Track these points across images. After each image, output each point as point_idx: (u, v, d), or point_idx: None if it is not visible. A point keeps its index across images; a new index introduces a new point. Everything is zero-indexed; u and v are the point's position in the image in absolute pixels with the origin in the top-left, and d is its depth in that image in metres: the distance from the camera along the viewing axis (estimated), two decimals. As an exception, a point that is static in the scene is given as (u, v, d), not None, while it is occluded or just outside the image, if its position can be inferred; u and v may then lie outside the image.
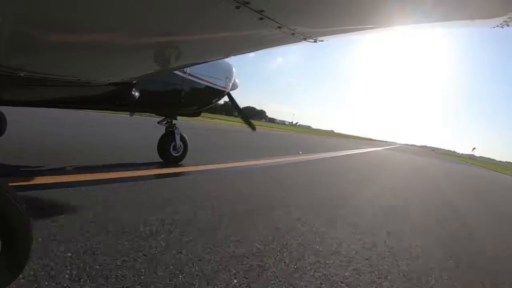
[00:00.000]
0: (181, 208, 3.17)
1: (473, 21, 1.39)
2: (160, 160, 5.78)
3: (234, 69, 6.25)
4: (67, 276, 1.71)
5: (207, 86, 5.67)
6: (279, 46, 1.77)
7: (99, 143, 6.92)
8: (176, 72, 5.02)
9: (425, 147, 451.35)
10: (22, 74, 1.88)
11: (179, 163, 5.87)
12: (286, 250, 2.55)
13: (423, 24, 1.48)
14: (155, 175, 4.79)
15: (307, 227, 3.20)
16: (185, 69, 5.14)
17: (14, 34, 1.32)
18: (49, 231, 2.16)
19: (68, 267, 1.78)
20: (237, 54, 2.03)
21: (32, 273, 1.69)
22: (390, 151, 36.19)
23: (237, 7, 1.13)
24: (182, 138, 5.87)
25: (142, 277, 1.81)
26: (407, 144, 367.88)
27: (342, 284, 2.15)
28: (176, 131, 5.76)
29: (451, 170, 21.27)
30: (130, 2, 1.11)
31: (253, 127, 7.32)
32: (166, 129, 5.84)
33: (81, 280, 1.70)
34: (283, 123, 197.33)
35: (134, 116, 6.09)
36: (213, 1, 1.11)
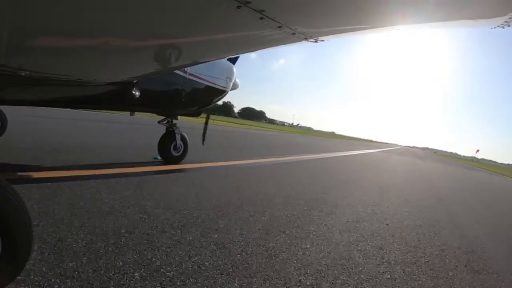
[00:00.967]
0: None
1: (474, 21, 1.39)
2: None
3: (234, 69, 6.25)
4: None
5: (207, 86, 5.67)
6: (279, 46, 1.76)
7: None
8: (177, 71, 5.02)
9: (427, 149, 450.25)
10: (22, 74, 1.89)
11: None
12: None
13: (424, 24, 1.48)
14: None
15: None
16: (185, 69, 5.14)
17: (14, 34, 1.32)
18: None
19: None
20: (238, 54, 2.03)
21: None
22: (387, 153, 30.96)
23: (238, 7, 1.13)
24: (183, 138, 5.87)
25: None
26: (409, 146, 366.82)
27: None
28: (176, 130, 5.76)
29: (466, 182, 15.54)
30: (130, 2, 1.11)
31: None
32: (166, 128, 5.84)
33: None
34: (282, 124, 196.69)
35: (137, 116, 6.11)
36: (214, 0, 1.11)
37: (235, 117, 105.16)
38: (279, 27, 1.36)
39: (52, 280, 1.73)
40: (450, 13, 1.34)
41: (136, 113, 6.17)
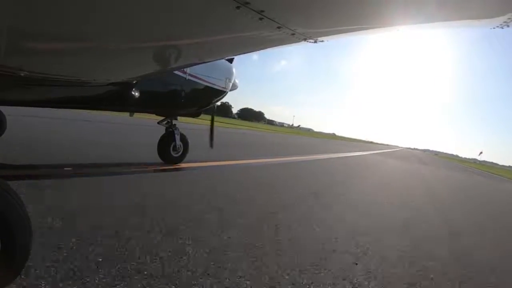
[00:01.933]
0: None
1: (473, 21, 1.39)
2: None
3: (234, 70, 6.24)
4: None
5: (207, 86, 5.66)
6: (279, 46, 1.77)
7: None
8: (176, 72, 5.01)
9: (428, 150, 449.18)
10: (22, 74, 1.88)
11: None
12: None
13: (423, 25, 1.48)
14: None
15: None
16: (185, 69, 5.14)
17: (14, 34, 1.32)
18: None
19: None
20: (238, 54, 2.04)
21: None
22: (381, 156, 25.89)
23: (238, 7, 1.13)
24: (182, 139, 5.86)
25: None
26: (410, 148, 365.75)
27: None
28: (176, 131, 5.75)
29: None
30: (130, 3, 1.11)
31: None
32: (166, 129, 5.83)
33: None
34: (281, 125, 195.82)
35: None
36: (214, 1, 1.11)
37: (234, 117, 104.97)
38: (279, 27, 1.36)
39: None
40: (449, 14, 1.34)
41: (135, 113, 6.17)
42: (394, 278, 2.59)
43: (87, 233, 2.33)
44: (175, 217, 2.98)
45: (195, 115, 6.24)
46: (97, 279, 1.79)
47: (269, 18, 1.25)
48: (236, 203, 3.95)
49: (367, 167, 13.81)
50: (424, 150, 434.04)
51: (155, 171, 5.24)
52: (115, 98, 4.24)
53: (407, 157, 37.93)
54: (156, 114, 5.76)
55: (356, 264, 2.71)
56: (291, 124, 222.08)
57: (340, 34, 1.63)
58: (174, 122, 5.85)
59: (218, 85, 5.84)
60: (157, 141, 5.81)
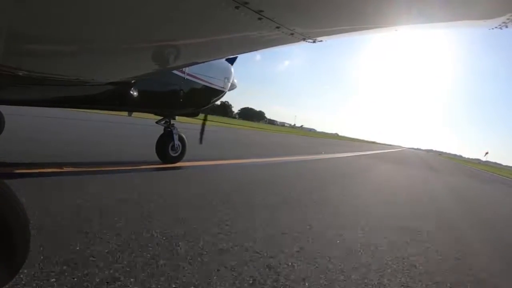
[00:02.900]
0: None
1: (472, 22, 1.39)
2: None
3: (232, 69, 6.25)
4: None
5: (205, 86, 5.66)
6: (278, 46, 1.77)
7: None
8: (175, 72, 5.01)
9: (431, 151, 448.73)
10: (21, 74, 1.88)
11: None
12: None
13: (422, 25, 1.48)
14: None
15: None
16: (184, 69, 5.14)
17: (13, 34, 1.32)
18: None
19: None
20: (236, 54, 2.04)
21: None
22: (373, 160, 18.99)
23: (236, 7, 1.13)
24: (181, 138, 5.86)
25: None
26: (412, 148, 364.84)
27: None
28: (174, 131, 5.75)
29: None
30: (129, 3, 1.11)
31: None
32: (164, 129, 5.83)
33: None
34: (282, 125, 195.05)
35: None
36: (212, 1, 1.11)
37: (234, 117, 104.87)
38: (278, 27, 1.36)
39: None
40: (448, 14, 1.35)
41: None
42: None
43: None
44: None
45: (194, 114, 6.25)
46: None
47: (268, 18, 1.25)
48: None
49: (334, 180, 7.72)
50: (428, 150, 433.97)
51: (157, 169, 5.24)
52: (114, 98, 4.24)
53: (408, 159, 30.66)
54: (155, 114, 5.76)
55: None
56: (292, 124, 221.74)
57: (339, 34, 1.63)
58: (172, 122, 5.86)
59: (217, 84, 5.85)
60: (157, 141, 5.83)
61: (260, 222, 3.32)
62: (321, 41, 1.64)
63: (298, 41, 1.59)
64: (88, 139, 7.73)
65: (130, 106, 5.08)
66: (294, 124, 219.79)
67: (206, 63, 4.60)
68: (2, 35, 1.31)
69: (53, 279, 1.75)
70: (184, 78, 5.24)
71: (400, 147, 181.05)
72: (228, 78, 6.08)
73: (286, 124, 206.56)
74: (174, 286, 1.89)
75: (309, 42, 1.61)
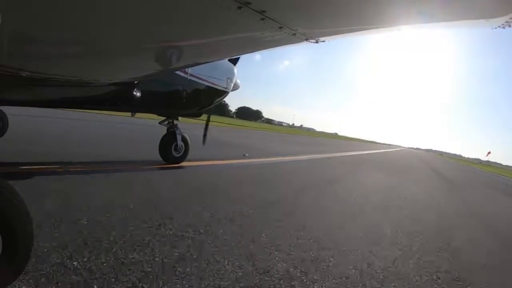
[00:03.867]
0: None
1: (474, 21, 1.39)
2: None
3: (235, 70, 6.24)
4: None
5: (208, 86, 5.67)
6: (280, 47, 1.77)
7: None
8: (178, 72, 5.02)
9: (431, 150, 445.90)
10: (24, 74, 1.89)
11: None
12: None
13: (425, 25, 1.48)
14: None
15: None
16: (186, 70, 5.14)
17: (16, 35, 1.33)
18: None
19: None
20: (239, 55, 2.04)
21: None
22: (346, 166, 12.03)
23: (239, 8, 1.13)
24: (184, 139, 5.86)
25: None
26: (412, 148, 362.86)
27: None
28: (177, 131, 5.75)
29: None
30: (132, 4, 1.12)
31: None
32: (167, 129, 5.83)
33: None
34: (280, 124, 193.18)
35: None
36: (215, 2, 1.11)
37: (232, 117, 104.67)
38: (280, 27, 1.36)
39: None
40: (451, 14, 1.34)
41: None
42: None
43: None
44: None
45: (197, 115, 6.25)
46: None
47: (270, 19, 1.25)
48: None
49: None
50: (427, 150, 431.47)
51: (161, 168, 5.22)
52: (116, 98, 4.25)
53: (408, 162, 24.08)
54: (158, 114, 5.77)
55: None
56: (291, 123, 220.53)
57: (341, 34, 1.63)
58: (175, 122, 5.87)
59: (220, 85, 5.85)
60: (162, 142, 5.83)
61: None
62: (323, 41, 1.64)
63: (301, 41, 1.58)
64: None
65: (133, 106, 5.08)
66: (293, 124, 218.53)
67: (209, 63, 4.60)
68: (5, 36, 1.32)
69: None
70: (187, 78, 5.25)
71: (399, 146, 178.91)
72: (231, 79, 6.08)
73: (284, 124, 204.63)
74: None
75: (311, 42, 1.61)
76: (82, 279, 1.79)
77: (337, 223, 3.91)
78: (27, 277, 1.69)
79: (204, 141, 6.29)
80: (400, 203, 6.10)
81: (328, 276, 2.37)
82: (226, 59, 5.92)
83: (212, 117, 6.80)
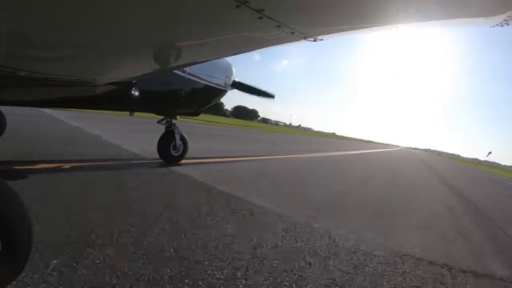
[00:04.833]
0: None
1: (472, 19, 1.39)
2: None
3: (233, 68, 6.25)
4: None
5: (207, 85, 5.67)
6: (278, 45, 1.77)
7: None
8: (176, 71, 5.02)
9: (429, 150, 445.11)
10: (22, 74, 1.89)
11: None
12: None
13: (423, 23, 1.48)
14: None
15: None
16: (185, 69, 5.15)
17: (13, 34, 1.32)
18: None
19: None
20: (237, 53, 2.04)
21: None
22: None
23: (237, 6, 1.13)
24: (182, 138, 5.87)
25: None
26: (410, 147, 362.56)
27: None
28: (176, 130, 5.76)
29: None
30: (129, 3, 1.12)
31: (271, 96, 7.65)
32: (166, 128, 5.84)
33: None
34: (276, 123, 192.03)
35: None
36: (213, 0, 1.11)
37: (228, 116, 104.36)
38: (278, 26, 1.36)
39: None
40: (449, 12, 1.34)
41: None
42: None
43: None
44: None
45: (195, 114, 6.26)
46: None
47: (268, 17, 1.25)
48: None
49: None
50: (426, 150, 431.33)
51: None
52: (115, 98, 4.24)
53: (403, 164, 19.18)
54: (156, 114, 5.77)
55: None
56: (288, 123, 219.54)
57: (340, 33, 1.63)
58: (173, 121, 5.87)
59: (218, 84, 5.86)
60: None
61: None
62: (321, 39, 1.64)
63: (299, 39, 1.59)
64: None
65: (132, 106, 5.09)
66: (290, 124, 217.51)
67: (207, 62, 4.61)
68: (3, 36, 1.31)
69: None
70: (185, 77, 5.25)
71: (397, 146, 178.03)
72: (229, 77, 6.09)
73: (280, 123, 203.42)
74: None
75: (309, 40, 1.61)
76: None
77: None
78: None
79: None
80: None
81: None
82: (225, 58, 5.93)
83: (208, 117, 6.89)
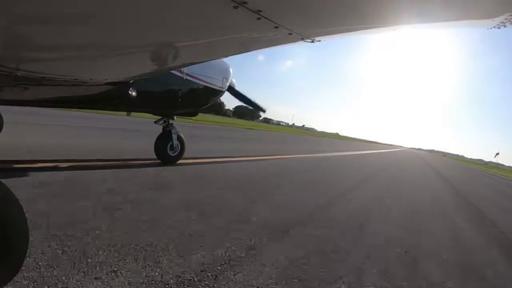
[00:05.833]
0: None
1: (470, 21, 1.40)
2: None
3: (231, 69, 6.25)
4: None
5: (204, 86, 5.67)
6: (276, 46, 1.77)
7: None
8: (174, 72, 5.02)
9: (433, 151, 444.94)
10: (19, 74, 1.88)
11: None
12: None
13: (420, 24, 1.49)
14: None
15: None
16: (182, 69, 5.15)
17: (10, 34, 1.32)
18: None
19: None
20: (235, 54, 2.04)
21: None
22: None
23: (235, 7, 1.13)
24: (179, 138, 5.86)
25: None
26: (414, 148, 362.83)
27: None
28: (173, 130, 5.75)
29: None
30: (126, 2, 1.11)
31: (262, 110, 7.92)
32: (163, 129, 5.83)
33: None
34: (278, 123, 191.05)
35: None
36: (211, 1, 1.11)
37: (229, 116, 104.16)
38: (276, 27, 1.37)
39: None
40: (446, 14, 1.35)
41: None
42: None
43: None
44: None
45: (192, 114, 6.26)
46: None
47: (266, 18, 1.25)
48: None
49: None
50: (430, 151, 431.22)
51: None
52: (112, 98, 4.24)
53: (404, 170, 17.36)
54: (153, 114, 5.76)
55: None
56: (291, 123, 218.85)
57: (338, 34, 1.63)
58: (170, 121, 5.86)
59: (215, 84, 5.86)
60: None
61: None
62: (319, 41, 1.64)
63: (297, 40, 1.59)
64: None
65: (129, 106, 5.08)
66: (293, 124, 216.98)
67: (204, 63, 4.61)
68: (0, 35, 1.31)
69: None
70: (182, 78, 5.25)
71: (401, 147, 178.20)
72: (226, 78, 6.09)
73: (282, 123, 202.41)
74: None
75: (307, 41, 1.62)
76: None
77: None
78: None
79: None
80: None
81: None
82: (222, 59, 5.93)
83: (208, 117, 6.92)
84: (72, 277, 2.00)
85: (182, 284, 2.16)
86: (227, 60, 6.24)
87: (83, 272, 2.08)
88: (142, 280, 2.12)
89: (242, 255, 2.79)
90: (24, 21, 1.19)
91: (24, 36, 1.37)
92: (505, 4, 1.21)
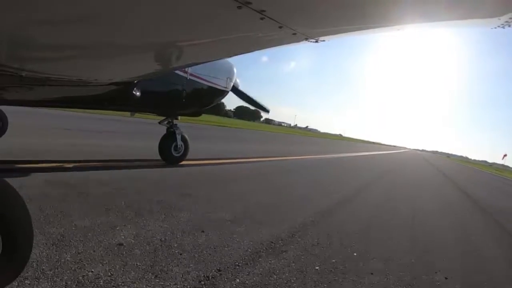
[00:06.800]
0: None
1: (474, 21, 1.38)
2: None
3: (235, 69, 6.25)
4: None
5: (208, 86, 5.67)
6: (280, 46, 1.77)
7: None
8: (178, 72, 5.02)
9: (437, 152, 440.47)
10: (23, 74, 1.89)
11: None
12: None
13: (424, 24, 1.48)
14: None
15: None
16: (186, 69, 5.15)
17: (15, 34, 1.32)
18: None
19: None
20: (239, 54, 2.04)
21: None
22: None
23: (239, 7, 1.13)
24: (183, 138, 5.87)
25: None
26: (418, 149, 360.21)
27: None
28: (177, 131, 5.76)
29: None
30: (131, 3, 1.11)
31: (266, 110, 7.92)
32: (167, 129, 5.84)
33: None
34: (280, 124, 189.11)
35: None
36: (215, 1, 1.11)
37: (230, 116, 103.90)
38: (280, 27, 1.36)
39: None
40: (450, 13, 1.34)
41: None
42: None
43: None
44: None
45: (196, 114, 6.26)
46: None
47: (270, 18, 1.25)
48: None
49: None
50: (433, 152, 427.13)
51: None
52: (116, 98, 4.25)
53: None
54: (157, 114, 5.77)
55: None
56: (293, 124, 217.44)
57: (342, 34, 1.62)
58: (175, 122, 5.87)
59: (219, 84, 5.85)
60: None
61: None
62: (323, 40, 1.63)
63: (301, 40, 1.58)
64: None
65: (133, 106, 5.09)
66: (296, 124, 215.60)
67: (208, 63, 4.61)
68: (4, 36, 1.31)
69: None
70: (186, 78, 5.25)
71: (405, 148, 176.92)
72: (230, 78, 6.08)
73: (284, 124, 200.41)
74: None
75: (311, 41, 1.61)
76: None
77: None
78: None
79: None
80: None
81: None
82: (226, 59, 5.94)
83: (209, 117, 6.94)
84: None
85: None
86: (231, 60, 6.24)
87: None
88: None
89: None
90: (29, 22, 1.20)
91: (29, 36, 1.37)
92: (509, 4, 1.19)
